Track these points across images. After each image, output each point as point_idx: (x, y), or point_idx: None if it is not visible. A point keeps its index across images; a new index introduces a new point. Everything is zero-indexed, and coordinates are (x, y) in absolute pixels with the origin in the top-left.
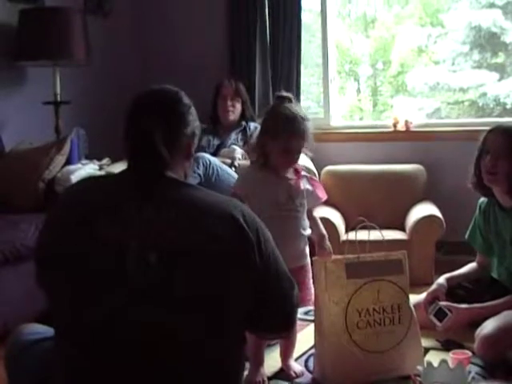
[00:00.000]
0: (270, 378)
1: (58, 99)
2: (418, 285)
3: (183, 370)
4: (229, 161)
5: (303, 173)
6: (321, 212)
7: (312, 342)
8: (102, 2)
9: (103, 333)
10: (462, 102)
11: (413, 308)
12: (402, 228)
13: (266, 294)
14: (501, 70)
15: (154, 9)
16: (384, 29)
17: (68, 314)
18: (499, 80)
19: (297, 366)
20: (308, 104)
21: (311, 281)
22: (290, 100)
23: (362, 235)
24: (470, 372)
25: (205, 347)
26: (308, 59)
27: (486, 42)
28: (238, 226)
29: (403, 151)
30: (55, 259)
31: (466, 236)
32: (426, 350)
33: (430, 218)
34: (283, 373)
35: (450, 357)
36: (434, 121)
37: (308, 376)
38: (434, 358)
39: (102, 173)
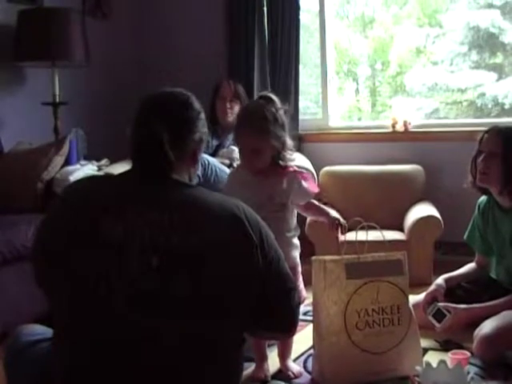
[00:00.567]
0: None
1: (57, 100)
2: (416, 285)
3: (182, 370)
4: (227, 161)
5: (290, 169)
6: None
7: (311, 343)
8: (101, 3)
9: (102, 333)
10: (461, 102)
11: (412, 308)
12: (400, 228)
13: (267, 294)
14: (499, 70)
15: (152, 10)
16: (382, 29)
17: (66, 314)
18: (497, 80)
19: (295, 367)
20: (306, 104)
21: (301, 283)
22: (265, 99)
23: (361, 236)
24: (468, 372)
25: (204, 348)
26: (306, 59)
27: (485, 43)
28: (241, 227)
29: (402, 151)
30: (54, 257)
31: (465, 236)
32: (425, 351)
33: (429, 218)
34: (282, 373)
35: (449, 357)
36: (432, 121)
37: (307, 376)
38: (432, 358)
39: (101, 173)
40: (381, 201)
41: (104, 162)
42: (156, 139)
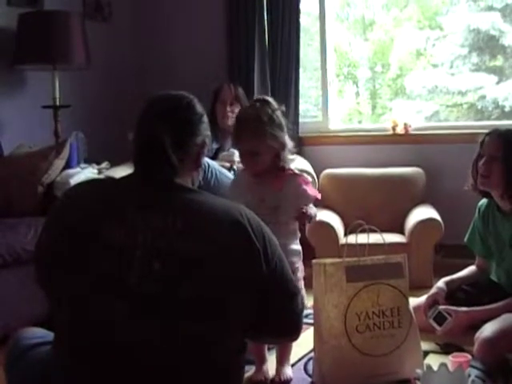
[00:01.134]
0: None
1: (57, 103)
2: (416, 288)
3: (184, 374)
4: (228, 164)
5: (290, 172)
6: (320, 215)
7: (311, 346)
8: (102, 6)
9: (103, 336)
10: (461, 104)
11: (412, 311)
12: (401, 231)
13: (270, 299)
14: (499, 72)
15: (153, 13)
16: (382, 32)
17: (67, 317)
18: (498, 83)
19: (287, 373)
20: (307, 107)
21: (303, 289)
22: (260, 101)
23: (361, 238)
24: (469, 375)
25: (206, 352)
26: (306, 62)
27: (485, 45)
28: (244, 232)
29: (402, 154)
30: (55, 260)
31: (465, 239)
32: (426, 354)
33: (429, 221)
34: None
35: (450, 360)
36: (432, 124)
37: (307, 380)
38: (433, 361)
39: (101, 177)
40: (381, 203)
41: (104, 165)
42: (158, 142)
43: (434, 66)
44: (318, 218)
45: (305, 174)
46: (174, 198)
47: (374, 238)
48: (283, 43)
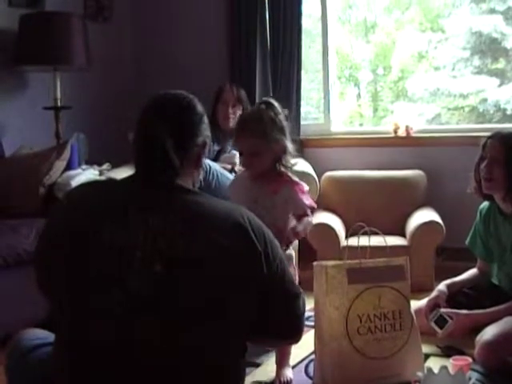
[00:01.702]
0: None
1: (59, 104)
2: (418, 290)
3: (184, 375)
4: (229, 166)
5: (287, 179)
6: (321, 218)
7: (312, 348)
8: (102, 7)
9: (104, 338)
10: (463, 107)
11: (413, 314)
12: (402, 234)
13: (272, 302)
14: (501, 75)
15: (153, 14)
16: (384, 34)
17: (67, 319)
18: (499, 86)
19: (288, 375)
20: (308, 109)
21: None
22: (265, 103)
23: (362, 241)
24: (470, 378)
25: (206, 354)
26: (308, 64)
27: (487, 48)
28: (245, 234)
29: (403, 157)
30: (56, 261)
31: (467, 242)
32: (427, 356)
33: (431, 223)
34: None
35: (451, 363)
36: (434, 126)
37: (308, 382)
38: (434, 364)
39: (103, 178)
40: (382, 206)
41: (105, 166)
42: (160, 144)
43: (436, 68)
44: (319, 221)
45: (302, 183)
46: (174, 200)
47: (376, 240)
48: (285, 45)
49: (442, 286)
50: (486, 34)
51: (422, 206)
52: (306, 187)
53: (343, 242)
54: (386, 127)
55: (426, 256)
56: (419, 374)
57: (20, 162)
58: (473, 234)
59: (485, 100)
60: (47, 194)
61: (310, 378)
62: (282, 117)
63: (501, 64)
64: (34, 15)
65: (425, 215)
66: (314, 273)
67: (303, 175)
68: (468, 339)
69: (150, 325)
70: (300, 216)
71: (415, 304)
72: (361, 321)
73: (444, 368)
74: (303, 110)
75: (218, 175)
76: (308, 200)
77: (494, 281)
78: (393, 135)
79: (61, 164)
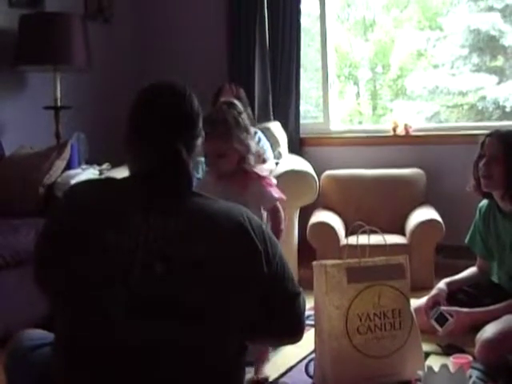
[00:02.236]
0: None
1: (59, 104)
2: (418, 289)
3: (185, 376)
4: None
5: (253, 175)
6: (320, 216)
7: (312, 347)
8: (103, 7)
9: (102, 340)
10: (462, 105)
11: (413, 312)
12: (401, 232)
13: (272, 300)
14: (500, 73)
15: (154, 15)
16: (383, 32)
17: (67, 320)
18: (498, 83)
19: (264, 372)
20: (307, 108)
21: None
22: (227, 104)
23: (362, 239)
24: (470, 376)
25: (207, 354)
26: (307, 63)
27: (485, 46)
28: (247, 235)
29: (403, 155)
30: (55, 261)
31: (466, 240)
32: (427, 355)
33: (430, 222)
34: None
35: (451, 361)
36: (433, 125)
37: (308, 381)
38: (434, 362)
39: (102, 177)
40: (382, 205)
41: (105, 166)
42: (178, 155)
43: (435, 66)
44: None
45: (270, 176)
46: (176, 201)
47: (375, 239)
48: (284, 44)
49: (441, 284)
50: (484, 32)
51: (422, 205)
52: (273, 180)
53: (343, 241)
54: (385, 125)
55: (425, 254)
56: (419, 372)
57: (20, 161)
58: (472, 233)
59: (484, 98)
60: (47, 194)
61: (311, 377)
62: (244, 116)
63: (499, 61)
64: (34, 15)
65: (424, 213)
66: (313, 272)
67: (302, 174)
68: (468, 337)
69: (150, 326)
70: (271, 209)
71: (415, 302)
72: (361, 320)
73: (444, 366)
74: (302, 108)
75: None
76: (277, 193)
77: (494, 279)
78: (392, 133)
79: (61, 164)
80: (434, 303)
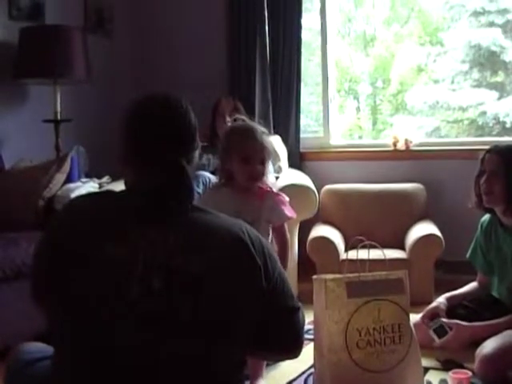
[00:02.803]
0: None
1: (59, 117)
2: (417, 304)
3: None
4: None
5: (268, 189)
6: (320, 231)
7: (311, 361)
8: (103, 20)
9: (102, 356)
10: (462, 120)
11: (413, 327)
12: (401, 247)
13: (271, 315)
14: (500, 88)
15: (154, 28)
16: (383, 47)
17: (65, 335)
18: (499, 99)
19: None
20: (308, 122)
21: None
22: (243, 121)
23: (362, 254)
24: None
25: (207, 368)
26: (308, 78)
27: (486, 61)
28: (245, 250)
29: (403, 170)
30: (52, 276)
31: (468, 255)
32: (426, 370)
33: (430, 237)
34: None
35: (450, 376)
36: (433, 140)
37: None
38: (433, 377)
39: (102, 190)
40: (382, 219)
41: (105, 179)
42: (184, 175)
43: (435, 81)
44: (318, 234)
45: (283, 194)
46: (176, 216)
47: (375, 253)
48: (284, 58)
49: (441, 298)
50: (484, 47)
51: (422, 219)
52: (286, 198)
53: (342, 256)
54: (385, 140)
55: (425, 269)
56: None
57: (20, 174)
58: (473, 247)
59: (484, 113)
60: (47, 207)
61: None
62: None
63: (500, 77)
64: (34, 28)
65: (424, 228)
66: (313, 286)
67: (302, 188)
68: (468, 353)
69: (150, 342)
70: (278, 228)
71: (414, 317)
72: (360, 334)
73: (443, 382)
74: (303, 122)
75: None
76: (290, 212)
77: (494, 294)
78: (392, 148)
79: (61, 177)
80: (432, 315)
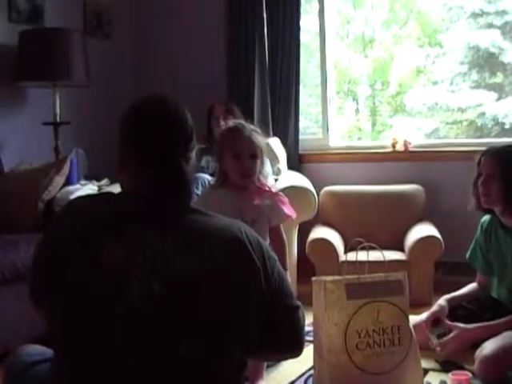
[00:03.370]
0: None
1: (58, 120)
2: (416, 305)
3: None
4: None
5: (267, 189)
6: (319, 233)
7: (311, 363)
8: (102, 23)
9: (102, 356)
10: (461, 121)
11: (412, 329)
12: (400, 248)
13: (271, 316)
14: (499, 89)
15: (153, 31)
16: (382, 49)
17: (65, 338)
18: (497, 100)
19: None
20: (307, 124)
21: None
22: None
23: (361, 256)
24: None
25: (207, 371)
26: (306, 79)
27: (485, 62)
28: (244, 251)
29: (402, 171)
30: (52, 277)
31: (467, 256)
32: (426, 371)
33: (429, 238)
34: None
35: (450, 378)
36: (432, 141)
37: None
38: (433, 379)
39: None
40: (381, 221)
41: (104, 181)
42: (185, 178)
43: (434, 83)
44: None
45: (282, 194)
46: (175, 218)
47: (374, 255)
48: (283, 60)
49: (442, 300)
50: (483, 49)
51: (421, 221)
52: (286, 198)
53: (342, 257)
54: (384, 142)
55: (424, 270)
56: None
57: (19, 177)
58: (473, 248)
59: (483, 114)
60: (46, 210)
61: None
62: None
63: (498, 78)
64: (33, 31)
65: (423, 230)
66: (312, 288)
67: (301, 190)
68: (467, 354)
69: (149, 345)
70: (275, 227)
71: (414, 319)
72: (360, 336)
73: (443, 383)
74: (301, 124)
75: None
76: (289, 210)
77: (494, 295)
78: (391, 150)
79: (60, 179)
80: (434, 319)
